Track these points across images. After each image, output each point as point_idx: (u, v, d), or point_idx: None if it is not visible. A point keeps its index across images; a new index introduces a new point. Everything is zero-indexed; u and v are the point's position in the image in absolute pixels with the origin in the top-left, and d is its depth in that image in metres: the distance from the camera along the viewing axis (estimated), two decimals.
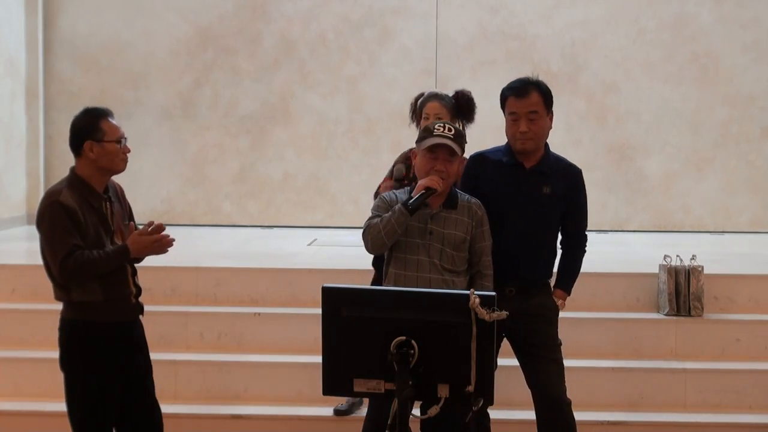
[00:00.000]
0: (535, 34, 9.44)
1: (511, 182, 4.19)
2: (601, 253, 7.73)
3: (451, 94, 5.05)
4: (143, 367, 4.09)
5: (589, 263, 6.83)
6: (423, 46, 9.49)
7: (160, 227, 3.91)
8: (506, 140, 4.29)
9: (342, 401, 5.32)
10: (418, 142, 4.11)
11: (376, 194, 5.06)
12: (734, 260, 7.40)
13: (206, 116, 9.57)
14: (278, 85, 9.50)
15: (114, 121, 3.94)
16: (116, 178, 4.08)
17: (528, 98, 4.16)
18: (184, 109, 9.56)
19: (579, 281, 6.09)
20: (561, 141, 9.40)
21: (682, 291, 5.89)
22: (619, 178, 9.47)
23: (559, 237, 4.41)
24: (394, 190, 4.25)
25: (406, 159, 5.01)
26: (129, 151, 3.96)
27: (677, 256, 6.05)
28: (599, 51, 9.45)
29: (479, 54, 9.46)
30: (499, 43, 9.45)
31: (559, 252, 4.42)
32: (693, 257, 6.01)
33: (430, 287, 3.92)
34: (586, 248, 4.46)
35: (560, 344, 4.29)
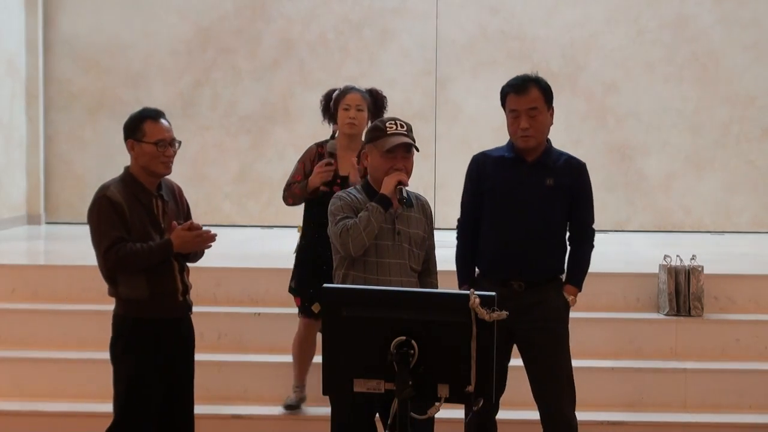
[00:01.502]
0: (535, 34, 9.44)
1: (513, 176, 4.19)
2: (601, 253, 7.70)
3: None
4: (189, 369, 4.15)
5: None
6: (423, 46, 9.49)
7: (196, 227, 4.02)
8: (507, 139, 4.29)
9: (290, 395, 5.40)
10: (370, 141, 4.05)
11: (288, 187, 5.13)
12: (734, 260, 7.40)
13: (206, 116, 9.57)
14: (278, 85, 9.50)
15: (162, 124, 4.04)
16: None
17: (527, 95, 4.16)
18: (184, 109, 9.55)
19: None
20: (561, 141, 9.35)
21: (682, 291, 5.89)
22: (619, 178, 9.47)
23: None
24: (347, 190, 4.19)
25: (315, 157, 5.12)
26: (172, 155, 4.06)
27: (677, 256, 6.05)
28: (599, 51, 9.45)
29: (479, 54, 9.45)
30: (499, 43, 9.45)
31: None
32: (693, 257, 6.02)
33: None
34: (594, 243, 4.41)
35: (568, 345, 4.27)
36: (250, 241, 8.25)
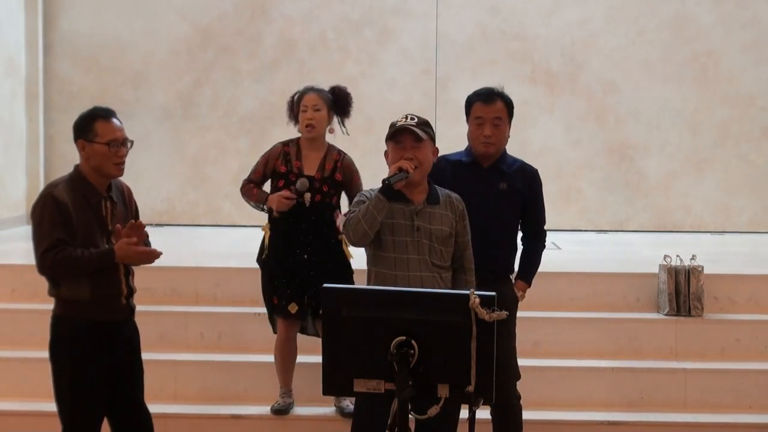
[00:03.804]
0: (535, 34, 9.44)
1: (469, 180, 4.42)
2: (601, 253, 7.74)
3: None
4: (133, 371, 4.07)
5: (589, 263, 6.88)
6: (423, 46, 9.49)
7: (138, 225, 3.89)
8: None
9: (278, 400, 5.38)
10: (386, 139, 4.10)
11: (246, 184, 5.18)
12: (734, 260, 7.40)
13: (206, 116, 9.57)
14: (278, 85, 9.49)
15: (114, 124, 3.92)
16: (124, 179, 4.08)
17: (494, 105, 4.43)
18: (184, 109, 9.56)
19: (579, 281, 6.13)
20: (561, 141, 9.43)
21: (682, 291, 5.89)
22: (619, 178, 9.47)
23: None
24: (370, 189, 4.19)
25: (280, 155, 5.17)
26: (123, 155, 3.92)
27: (677, 256, 6.05)
28: (599, 51, 9.45)
29: (479, 54, 9.45)
30: (499, 43, 9.45)
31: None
32: (693, 257, 6.01)
33: (422, 286, 3.91)
34: (546, 243, 4.67)
35: (515, 335, 4.52)
36: (250, 241, 8.22)
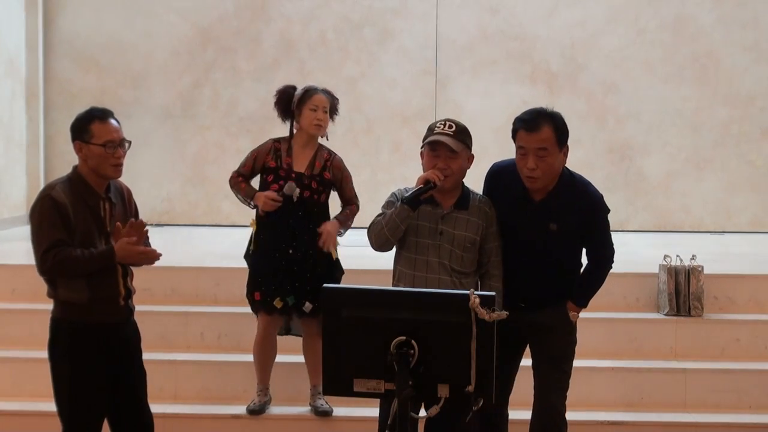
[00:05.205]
0: (535, 34, 9.44)
1: (517, 215, 4.08)
2: None
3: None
4: (132, 371, 4.06)
5: None
6: (423, 47, 9.49)
7: (139, 224, 3.90)
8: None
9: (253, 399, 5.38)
10: (423, 140, 4.12)
11: (236, 177, 5.20)
12: (734, 260, 7.40)
13: (206, 116, 9.57)
14: (278, 85, 9.30)
15: (111, 124, 3.91)
16: (124, 180, 4.08)
17: (538, 133, 3.92)
18: (184, 109, 9.56)
19: None
20: None
21: (682, 291, 5.89)
22: (619, 178, 9.47)
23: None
24: (406, 187, 4.22)
25: (270, 151, 5.15)
26: (120, 156, 3.91)
27: (677, 256, 6.05)
28: (599, 51, 9.45)
29: (479, 54, 9.45)
30: (499, 43, 9.45)
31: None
32: (693, 257, 6.02)
33: (439, 287, 3.94)
34: (612, 265, 4.29)
35: (572, 356, 4.27)
36: None
